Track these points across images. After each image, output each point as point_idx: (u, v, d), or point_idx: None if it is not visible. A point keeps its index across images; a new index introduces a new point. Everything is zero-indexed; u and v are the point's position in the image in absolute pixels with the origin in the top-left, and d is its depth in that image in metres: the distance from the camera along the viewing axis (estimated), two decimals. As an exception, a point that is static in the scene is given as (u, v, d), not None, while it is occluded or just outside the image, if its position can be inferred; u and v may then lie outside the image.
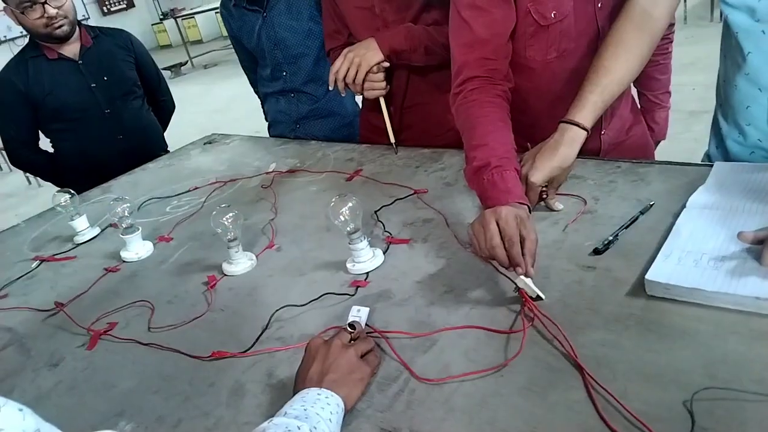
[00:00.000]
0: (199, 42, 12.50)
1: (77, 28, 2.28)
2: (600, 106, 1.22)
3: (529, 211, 1.14)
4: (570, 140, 1.20)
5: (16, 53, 2.36)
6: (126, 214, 1.50)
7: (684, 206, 1.14)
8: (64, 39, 2.21)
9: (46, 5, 2.12)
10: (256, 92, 2.46)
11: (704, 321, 0.88)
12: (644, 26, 1.23)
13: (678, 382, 0.79)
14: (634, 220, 1.15)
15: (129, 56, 2.43)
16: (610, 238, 1.11)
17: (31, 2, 2.10)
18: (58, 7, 2.15)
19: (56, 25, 2.15)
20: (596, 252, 1.09)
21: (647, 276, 0.96)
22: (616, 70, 1.23)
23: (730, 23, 1.22)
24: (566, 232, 1.19)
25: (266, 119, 2.49)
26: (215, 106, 7.34)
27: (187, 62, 11.00)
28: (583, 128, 1.20)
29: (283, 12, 2.13)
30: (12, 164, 2.48)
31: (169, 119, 2.69)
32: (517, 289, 0.99)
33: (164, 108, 2.64)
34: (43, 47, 2.23)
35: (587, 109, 1.21)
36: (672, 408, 0.75)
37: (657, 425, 0.73)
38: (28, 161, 2.46)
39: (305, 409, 0.77)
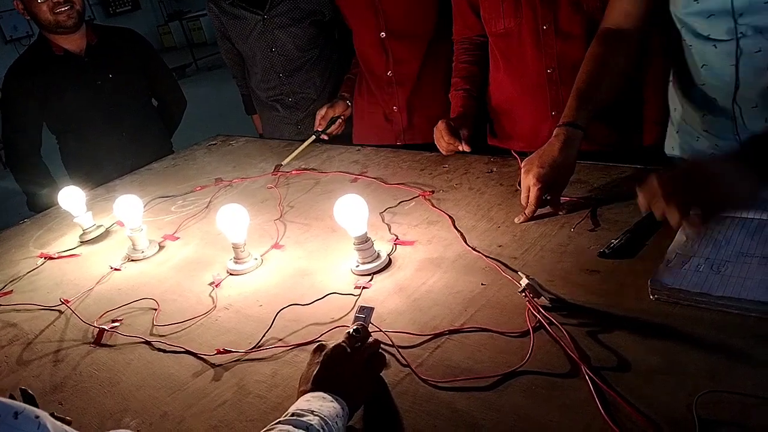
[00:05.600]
0: (204, 44, 12.50)
1: (83, 25, 2.28)
2: (591, 110, 1.28)
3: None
4: (568, 140, 1.24)
5: (23, 51, 2.37)
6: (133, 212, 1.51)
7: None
8: (71, 29, 2.21)
9: None
10: (239, 86, 2.49)
11: (707, 324, 0.89)
12: (616, 42, 1.29)
13: (682, 384, 0.79)
14: (639, 224, 1.15)
15: (135, 53, 2.43)
16: (615, 241, 1.11)
17: None
18: None
19: (63, 10, 2.14)
20: (602, 255, 1.09)
21: (651, 280, 0.97)
22: (599, 88, 1.30)
23: (684, 37, 1.26)
24: (571, 235, 1.19)
25: (260, 132, 2.52)
26: (219, 108, 7.34)
27: (191, 64, 11.02)
28: (579, 127, 1.25)
29: (284, 14, 2.13)
30: (8, 164, 2.42)
31: (181, 116, 2.67)
32: (523, 290, 0.99)
33: (174, 105, 2.64)
34: (50, 43, 2.24)
35: (580, 110, 1.26)
36: (676, 410, 0.75)
37: (662, 427, 0.73)
38: (26, 164, 2.37)
39: (312, 411, 0.77)
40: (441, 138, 1.63)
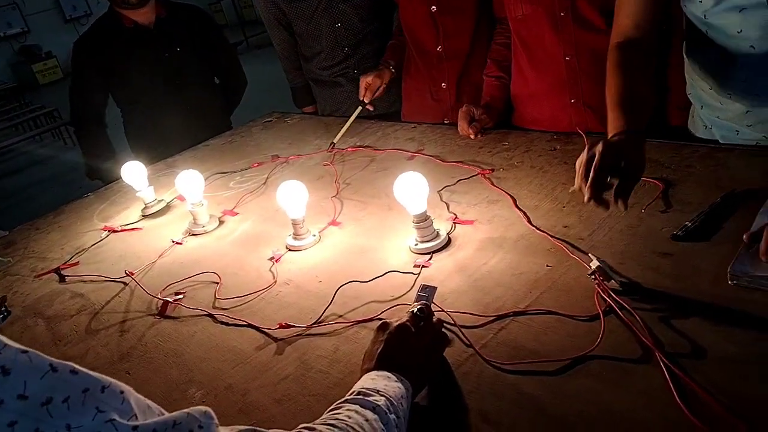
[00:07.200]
0: (255, 22, 12.56)
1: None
2: (638, 113, 1.12)
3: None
4: (628, 139, 1.05)
5: (92, 23, 2.42)
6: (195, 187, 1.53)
7: (769, 193, 1.08)
8: (136, 5, 2.26)
9: None
10: (291, 79, 2.48)
11: (793, 313, 0.84)
12: (634, 51, 1.20)
13: (763, 374, 0.75)
14: (715, 206, 1.10)
15: (201, 30, 2.47)
16: (689, 224, 1.06)
17: None
18: None
19: None
20: (675, 238, 1.05)
21: (731, 266, 0.92)
22: (635, 94, 1.15)
23: (711, 37, 1.23)
24: (641, 216, 1.14)
25: (318, 111, 2.50)
26: (271, 86, 7.41)
27: (243, 42, 11.12)
28: (633, 131, 1.06)
29: None
30: (74, 129, 2.52)
31: (241, 95, 2.71)
32: (592, 273, 0.96)
33: (235, 84, 2.68)
34: (120, 15, 2.29)
35: (627, 117, 1.09)
36: (757, 401, 0.72)
37: (743, 417, 0.70)
38: (90, 132, 2.47)
39: (377, 391, 0.77)
40: (461, 121, 1.72)
